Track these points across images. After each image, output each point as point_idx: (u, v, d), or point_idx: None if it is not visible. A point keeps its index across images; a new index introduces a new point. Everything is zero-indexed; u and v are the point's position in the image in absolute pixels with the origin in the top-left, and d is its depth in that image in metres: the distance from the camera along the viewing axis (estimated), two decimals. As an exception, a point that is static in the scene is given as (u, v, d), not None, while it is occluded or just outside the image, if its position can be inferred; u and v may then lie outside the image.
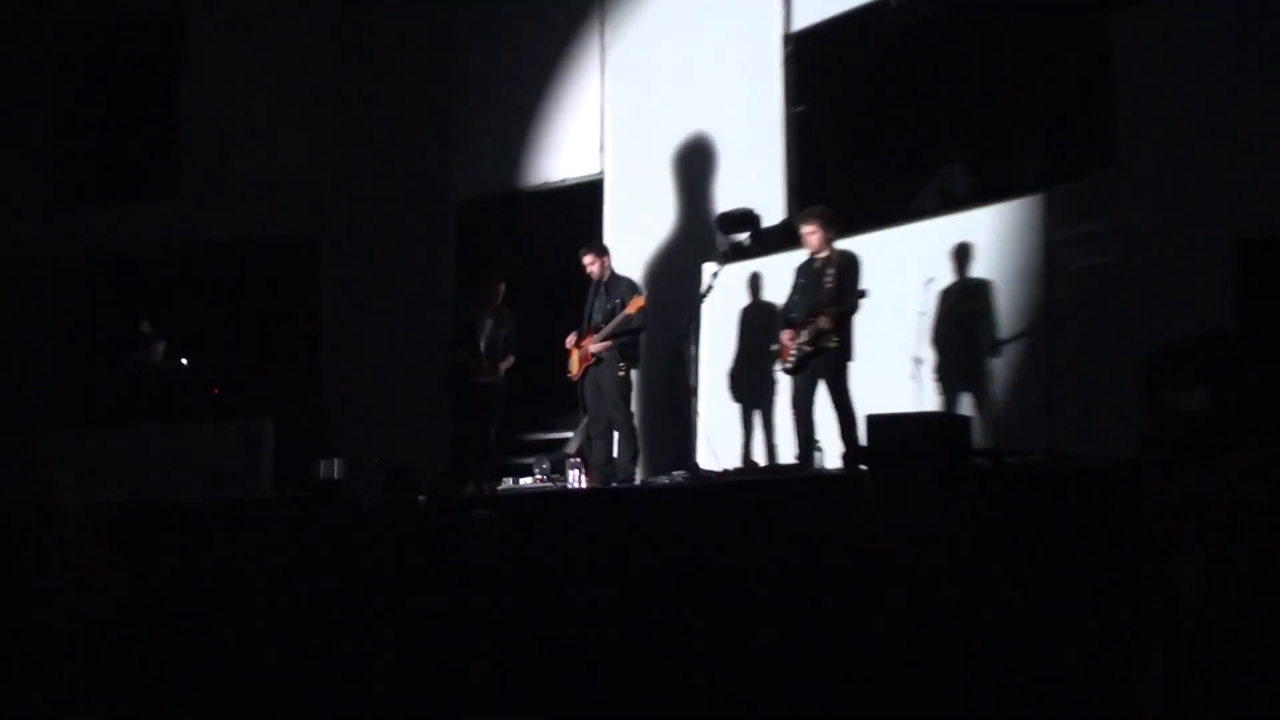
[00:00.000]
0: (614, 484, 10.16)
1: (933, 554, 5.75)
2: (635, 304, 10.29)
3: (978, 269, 9.54)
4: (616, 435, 10.53)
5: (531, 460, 11.52)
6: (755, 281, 11.02)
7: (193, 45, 15.74)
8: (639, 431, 10.76)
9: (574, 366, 10.62)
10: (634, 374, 10.69)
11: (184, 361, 13.93)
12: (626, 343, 10.45)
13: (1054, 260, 8.75)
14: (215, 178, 15.35)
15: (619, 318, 10.33)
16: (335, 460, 10.83)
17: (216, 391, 13.69)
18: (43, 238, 16.04)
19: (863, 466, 7.51)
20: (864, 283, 9.23)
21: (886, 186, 10.97)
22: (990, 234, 9.53)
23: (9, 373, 14.32)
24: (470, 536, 8.52)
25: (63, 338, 15.91)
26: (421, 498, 10.53)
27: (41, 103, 16.36)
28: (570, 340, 10.64)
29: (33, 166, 16.28)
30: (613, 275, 10.65)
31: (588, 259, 10.66)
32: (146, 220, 15.64)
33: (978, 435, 8.18)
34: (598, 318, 10.53)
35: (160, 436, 12.40)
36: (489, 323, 11.33)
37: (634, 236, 12.43)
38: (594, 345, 10.44)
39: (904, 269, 9.80)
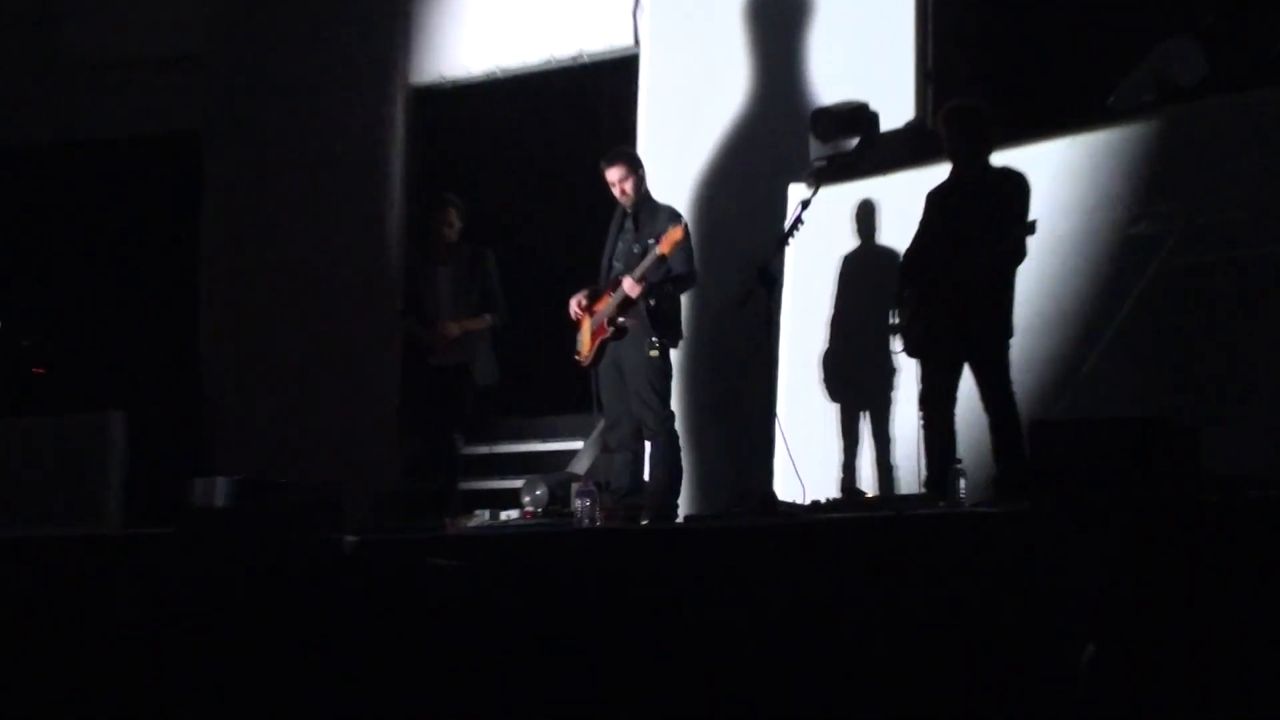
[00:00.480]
0: (644, 521, 10.21)
1: (1132, 624, 5.80)
2: (670, 238, 10.34)
3: (1215, 194, 9.55)
4: (648, 448, 10.59)
5: (519, 484, 11.61)
6: (867, 213, 11.09)
7: None
8: (682, 443, 10.82)
9: (584, 343, 10.72)
10: (675, 355, 10.73)
11: (-12, 329, 14.17)
12: (661, 305, 10.49)
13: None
14: (39, 47, 15.69)
15: (648, 260, 10.39)
16: (218, 479, 10.96)
17: (38, 371, 13.90)
18: None
19: (1025, 497, 7.54)
20: (1033, 214, 9.23)
21: (1071, 71, 11.04)
22: (1231, 138, 9.54)
23: None
24: (424, 597, 8.62)
25: None
26: (350, 538, 10.65)
27: None
28: (577, 303, 10.71)
29: None
30: (647, 201, 10.75)
31: (614, 174, 10.76)
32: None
33: (1207, 453, 8.19)
34: (620, 265, 10.59)
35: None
36: (442, 271, 11.44)
37: (680, 143, 12.54)
38: (612, 306, 10.51)
39: (1098, 194, 9.90)
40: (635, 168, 10.79)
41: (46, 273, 15.50)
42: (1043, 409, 9.34)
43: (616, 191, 10.76)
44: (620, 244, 10.76)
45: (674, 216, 10.66)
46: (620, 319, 10.49)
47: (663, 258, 10.38)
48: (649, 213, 10.70)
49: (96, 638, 8.96)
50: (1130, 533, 6.80)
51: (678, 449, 10.63)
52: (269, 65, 14.80)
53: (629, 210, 10.75)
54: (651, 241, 10.47)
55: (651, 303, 10.42)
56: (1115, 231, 9.84)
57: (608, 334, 10.59)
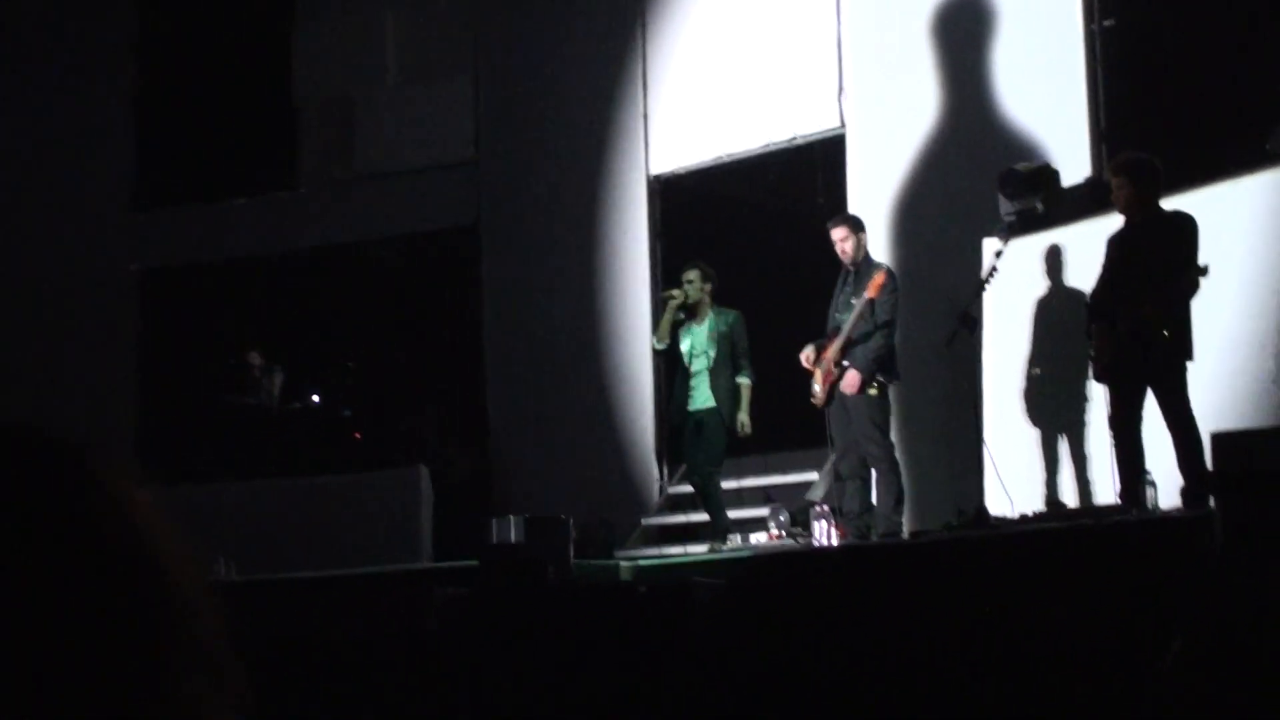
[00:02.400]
0: (874, 538, 10.29)
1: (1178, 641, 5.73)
2: (875, 282, 10.43)
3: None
4: (874, 474, 10.67)
5: (765, 511, 11.70)
6: (1054, 259, 11.05)
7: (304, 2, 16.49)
8: (903, 467, 10.87)
9: (818, 387, 10.78)
10: (893, 391, 10.80)
11: (313, 399, 14.54)
12: (879, 347, 10.58)
13: None
14: (339, 162, 16.06)
15: (858, 308, 10.48)
16: (510, 518, 11.18)
17: (357, 436, 14.25)
18: (122, 245, 16.92)
19: (1212, 502, 7.51)
20: (1204, 255, 9.20)
21: (1231, 122, 10.91)
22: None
23: (81, 415, 15.02)
24: (693, 611, 8.75)
25: (147, 369, 16.68)
26: (625, 563, 10.86)
27: (119, 79, 17.27)
28: (807, 354, 10.82)
29: (110, 160, 17.20)
30: (866, 259, 10.84)
31: (837, 234, 10.84)
32: (256, 220, 16.48)
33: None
34: (840, 316, 10.70)
35: (291, 494, 12.94)
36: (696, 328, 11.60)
37: (885, 207, 12.57)
38: (835, 351, 10.60)
39: (1259, 234, 9.78)
40: (856, 229, 10.88)
41: (358, 353, 15.80)
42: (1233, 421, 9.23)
43: (839, 250, 10.85)
44: (841, 297, 10.87)
45: (880, 267, 10.77)
46: (845, 362, 10.60)
47: (870, 301, 10.49)
48: (866, 269, 10.80)
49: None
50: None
51: (899, 474, 10.67)
52: (533, 165, 14.91)
53: (850, 267, 10.87)
54: (864, 293, 10.59)
55: (873, 391, 10.54)
56: None
57: (834, 378, 10.70)
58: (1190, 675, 5.52)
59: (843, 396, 10.64)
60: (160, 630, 1.17)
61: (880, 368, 10.58)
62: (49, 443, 1.20)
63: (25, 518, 1.15)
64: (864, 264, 10.81)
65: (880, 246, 11.98)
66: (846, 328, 10.57)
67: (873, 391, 10.50)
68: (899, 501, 10.59)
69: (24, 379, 16.10)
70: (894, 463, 10.65)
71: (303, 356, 15.09)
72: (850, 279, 10.82)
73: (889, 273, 10.67)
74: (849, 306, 10.65)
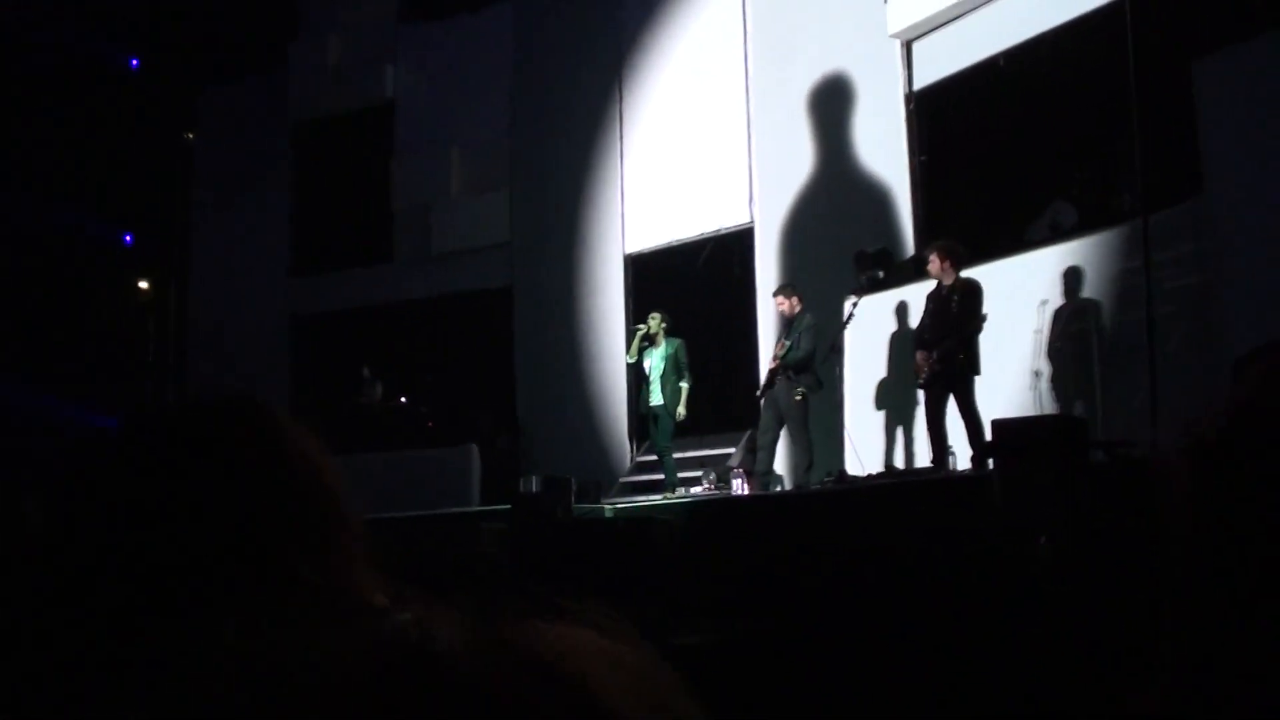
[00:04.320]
0: (773, 490, 10.31)
1: (1058, 541, 5.74)
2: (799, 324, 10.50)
3: (1085, 290, 9.52)
4: (793, 449, 10.65)
5: (700, 473, 11.73)
6: (891, 310, 11.10)
7: (399, 131, 16.45)
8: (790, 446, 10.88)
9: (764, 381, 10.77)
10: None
11: (402, 400, 14.50)
12: (803, 370, 10.46)
13: (1153, 280, 8.70)
14: (421, 244, 15.99)
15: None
16: (533, 477, 11.18)
17: (431, 425, 14.22)
18: (282, 300, 16.96)
19: (991, 465, 7.56)
20: (986, 306, 9.28)
21: (1002, 222, 10.99)
22: (1095, 259, 9.51)
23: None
24: (654, 538, 8.72)
25: (299, 384, 16.71)
26: (609, 506, 10.85)
27: (281, 188, 17.30)
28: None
29: (273, 241, 17.21)
30: (800, 312, 10.76)
31: (779, 299, 10.84)
32: (367, 283, 16.43)
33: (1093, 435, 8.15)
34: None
35: (384, 464, 12.91)
36: (655, 352, 11.56)
37: (782, 274, 12.58)
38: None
39: (1021, 293, 9.82)
40: (790, 294, 10.79)
41: (432, 370, 15.72)
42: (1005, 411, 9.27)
43: (781, 308, 10.79)
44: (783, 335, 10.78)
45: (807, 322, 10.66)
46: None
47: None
48: (798, 318, 10.64)
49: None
50: (1053, 480, 6.77)
51: (811, 451, 10.50)
52: (548, 246, 14.86)
53: (789, 317, 10.73)
54: (798, 336, 10.46)
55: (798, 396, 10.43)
56: (1036, 311, 9.83)
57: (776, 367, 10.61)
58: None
59: (774, 394, 10.55)
60: (331, 512, 1.18)
61: (805, 383, 10.48)
62: (259, 404, 1.23)
63: (249, 444, 1.17)
64: (797, 316, 10.68)
65: (774, 307, 12.02)
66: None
67: (798, 399, 10.40)
68: (809, 467, 10.52)
69: (213, 387, 16.07)
70: (808, 444, 10.56)
71: (398, 373, 15.05)
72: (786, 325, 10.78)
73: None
74: (784, 345, 10.55)
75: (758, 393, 10.82)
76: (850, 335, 10.83)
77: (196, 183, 17.86)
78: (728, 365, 13.01)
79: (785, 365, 10.48)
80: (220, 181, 17.52)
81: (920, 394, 9.81)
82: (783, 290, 10.90)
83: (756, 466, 10.66)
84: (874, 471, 10.11)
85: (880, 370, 11.07)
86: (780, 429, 10.64)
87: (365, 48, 16.82)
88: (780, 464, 11.42)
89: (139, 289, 17.99)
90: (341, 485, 1.21)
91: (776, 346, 10.76)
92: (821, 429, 10.98)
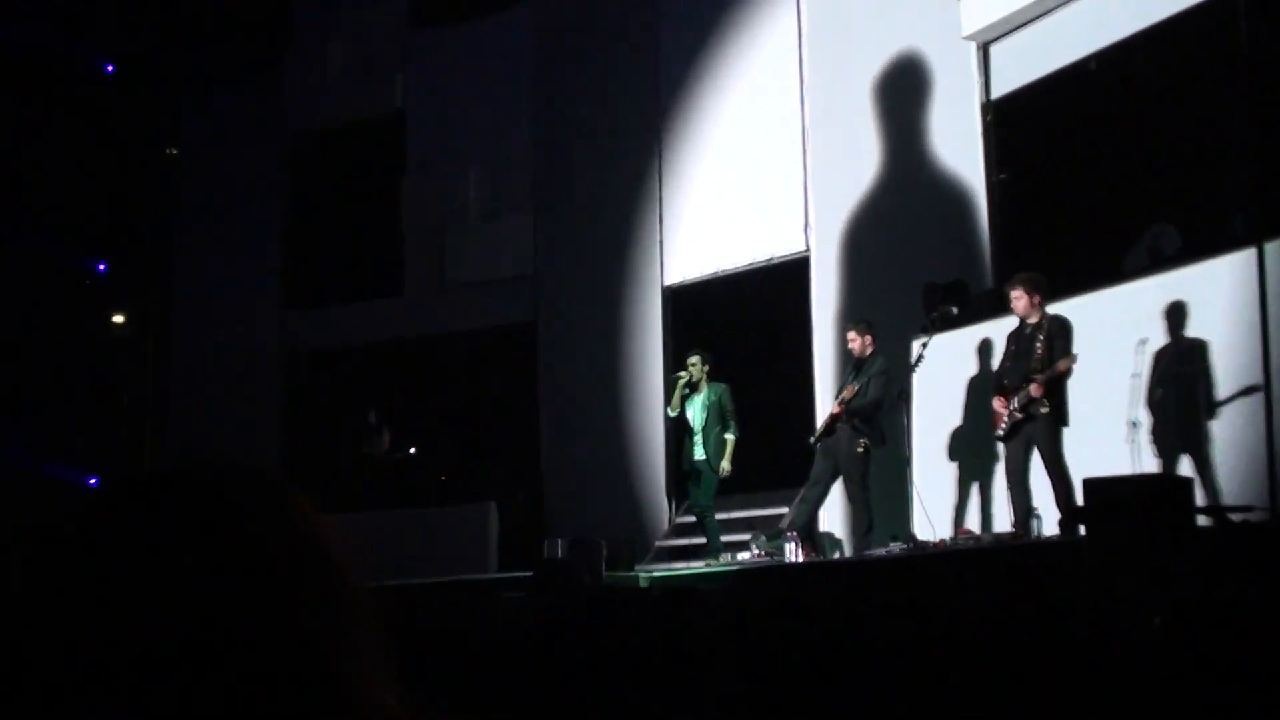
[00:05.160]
0: (835, 556, 10.30)
1: (1159, 616, 5.72)
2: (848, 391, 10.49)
3: (1192, 328, 9.49)
4: (850, 508, 10.66)
5: (748, 536, 11.71)
6: (967, 349, 11.10)
7: (411, 147, 16.61)
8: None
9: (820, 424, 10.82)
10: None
11: (412, 451, 14.60)
12: (869, 420, 10.52)
13: (1270, 315, 8.66)
14: (434, 274, 16.14)
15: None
16: (558, 540, 11.22)
17: (443, 479, 14.30)
18: (276, 336, 17.13)
19: (1081, 530, 7.53)
20: (1075, 346, 9.26)
21: (1094, 249, 10.98)
22: (1202, 292, 9.49)
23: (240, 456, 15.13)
24: (695, 612, 8.72)
25: (294, 429, 16.85)
26: (643, 574, 10.87)
27: (275, 210, 17.49)
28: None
29: (266, 270, 17.41)
30: (873, 354, 10.80)
31: (851, 335, 10.90)
32: (373, 317, 16.58)
33: (1199, 497, 8.11)
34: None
35: (390, 523, 12.99)
36: (697, 398, 11.60)
37: (839, 312, 12.63)
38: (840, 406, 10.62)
39: (1116, 331, 9.80)
40: (864, 332, 10.85)
41: (447, 417, 15.81)
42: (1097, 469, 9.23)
43: (852, 346, 10.83)
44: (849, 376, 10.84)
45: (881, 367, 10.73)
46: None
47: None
48: (870, 360, 10.73)
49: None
50: (1152, 549, 6.74)
51: (869, 510, 10.57)
52: (576, 277, 14.99)
53: (860, 357, 10.78)
54: (867, 380, 10.56)
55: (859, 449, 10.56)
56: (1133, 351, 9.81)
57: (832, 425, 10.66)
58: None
59: (832, 443, 10.60)
60: (339, 596, 1.17)
61: (868, 434, 10.52)
62: (249, 472, 1.21)
63: (250, 517, 1.16)
64: (870, 356, 10.72)
65: (833, 342, 12.05)
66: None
67: (860, 450, 10.45)
68: (868, 530, 10.51)
69: (198, 431, 16.34)
70: (866, 502, 10.59)
71: (407, 419, 15.15)
72: (854, 366, 10.82)
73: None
74: (850, 387, 10.61)
75: (812, 439, 10.82)
76: (919, 379, 10.83)
77: (180, 203, 18.11)
78: (780, 413, 13.01)
79: (851, 412, 10.49)
80: (207, 202, 17.77)
81: (1000, 447, 9.79)
82: (856, 327, 10.94)
83: (794, 521, 10.63)
84: (946, 536, 10.08)
85: (953, 420, 11.07)
86: (832, 483, 10.67)
87: (371, 53, 17.08)
88: (837, 525, 11.41)
89: (113, 323, 18.19)
90: (356, 578, 1.20)
91: (845, 390, 10.75)
92: (884, 486, 10.97)
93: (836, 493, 11.02)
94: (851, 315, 12.39)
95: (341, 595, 1.16)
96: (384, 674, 1.16)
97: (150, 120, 17.94)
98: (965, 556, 8.94)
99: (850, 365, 10.94)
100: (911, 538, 10.01)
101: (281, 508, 1.17)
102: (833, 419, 10.69)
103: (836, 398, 10.83)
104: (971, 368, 11.03)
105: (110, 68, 17.86)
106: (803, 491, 11.01)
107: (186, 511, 1.14)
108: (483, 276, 15.69)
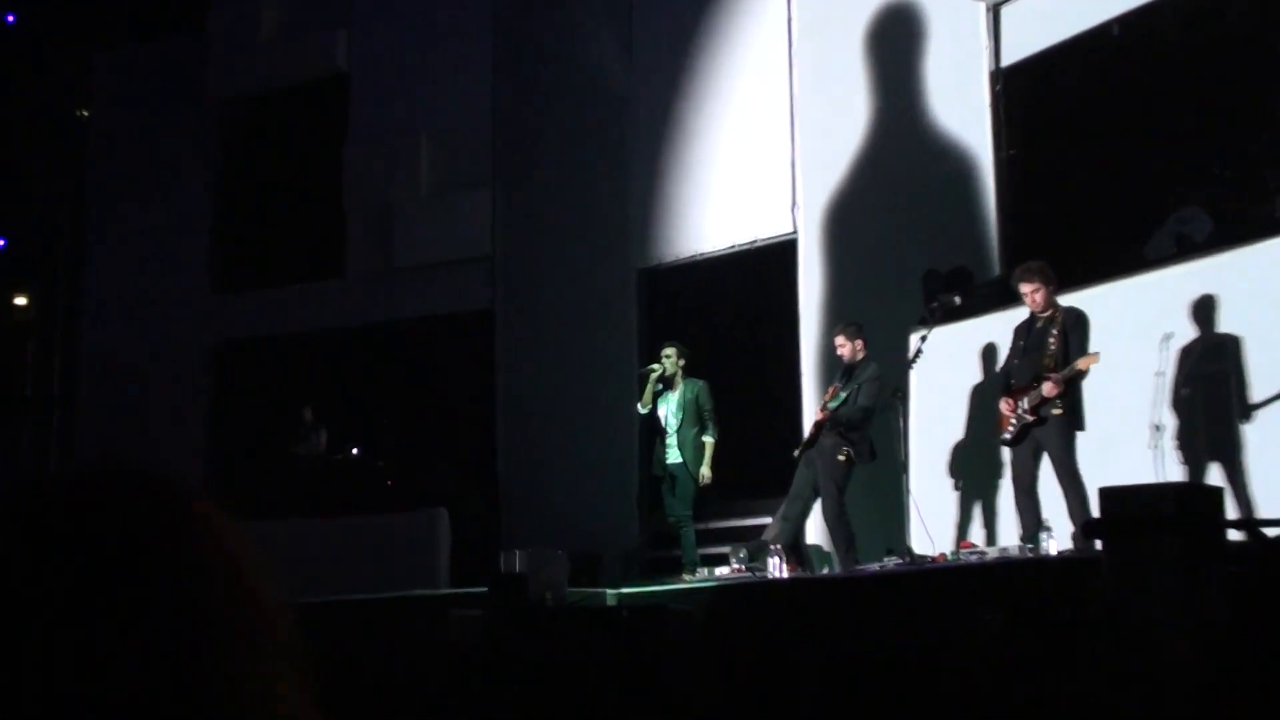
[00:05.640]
0: (824, 571, 10.29)
1: (1182, 639, 5.73)
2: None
3: (1222, 322, 9.51)
4: (826, 522, 10.66)
5: (728, 549, 11.70)
6: (970, 344, 11.11)
7: (355, 113, 16.53)
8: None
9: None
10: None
11: (353, 452, 14.53)
12: (856, 429, 10.52)
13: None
14: (380, 255, 16.08)
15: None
16: (516, 552, 11.15)
17: (389, 484, 14.23)
18: (202, 323, 17.01)
19: (1098, 545, 7.52)
20: (1093, 342, 9.26)
21: (1114, 234, 11.01)
22: (1234, 282, 9.50)
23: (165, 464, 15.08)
24: (667, 633, 8.71)
25: (220, 426, 16.76)
26: (612, 592, 10.82)
27: (199, 183, 17.36)
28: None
29: (190, 249, 17.27)
30: (864, 359, 10.79)
31: (839, 340, 10.87)
32: (310, 303, 16.51)
33: (1230, 508, 8.12)
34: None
35: (329, 532, 12.90)
36: (671, 395, 11.56)
37: (828, 299, 12.63)
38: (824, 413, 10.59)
39: (1138, 325, 9.81)
40: (854, 336, 10.81)
41: (392, 413, 15.76)
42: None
43: (841, 352, 10.81)
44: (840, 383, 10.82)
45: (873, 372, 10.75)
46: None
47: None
48: (861, 367, 10.71)
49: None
50: (1177, 566, 6.74)
51: (846, 524, 10.56)
52: (539, 260, 14.97)
53: (851, 364, 10.78)
54: (856, 388, 10.56)
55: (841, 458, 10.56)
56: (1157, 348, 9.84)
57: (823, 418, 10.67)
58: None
59: (813, 453, 10.62)
60: (246, 617, 1.18)
61: (854, 444, 10.53)
62: (155, 477, 1.22)
63: (144, 533, 1.17)
64: (860, 363, 10.73)
65: (819, 335, 12.05)
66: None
67: (841, 459, 10.46)
68: (848, 545, 10.52)
69: (116, 428, 16.24)
70: (841, 513, 10.59)
71: (347, 416, 15.08)
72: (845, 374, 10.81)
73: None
74: (839, 398, 10.61)
75: (796, 452, 10.83)
76: (917, 376, 10.83)
77: (91, 173, 17.97)
78: (764, 413, 13.00)
79: (836, 420, 10.49)
80: (122, 172, 17.64)
81: (1006, 453, 9.79)
82: (845, 330, 10.94)
83: (775, 539, 10.60)
84: (947, 551, 10.08)
85: (955, 422, 11.09)
86: (814, 499, 10.68)
87: (310, 7, 16.94)
88: (826, 538, 11.41)
89: (15, 306, 18.03)
90: (273, 599, 1.23)
91: (827, 394, 10.76)
92: (878, 495, 10.97)
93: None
94: (842, 305, 12.41)
95: (250, 614, 1.18)
96: (302, 698, 1.18)
97: (57, 78, 17.75)
98: (968, 573, 8.93)
99: (840, 372, 10.93)
100: (908, 552, 10.00)
101: (183, 518, 1.19)
102: (817, 427, 10.69)
103: (821, 404, 10.83)
104: (975, 364, 11.04)
105: (11, 18, 17.68)
106: (782, 508, 11.01)
107: (70, 524, 1.15)
108: (434, 258, 15.62)
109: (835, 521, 10.56)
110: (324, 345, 16.29)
